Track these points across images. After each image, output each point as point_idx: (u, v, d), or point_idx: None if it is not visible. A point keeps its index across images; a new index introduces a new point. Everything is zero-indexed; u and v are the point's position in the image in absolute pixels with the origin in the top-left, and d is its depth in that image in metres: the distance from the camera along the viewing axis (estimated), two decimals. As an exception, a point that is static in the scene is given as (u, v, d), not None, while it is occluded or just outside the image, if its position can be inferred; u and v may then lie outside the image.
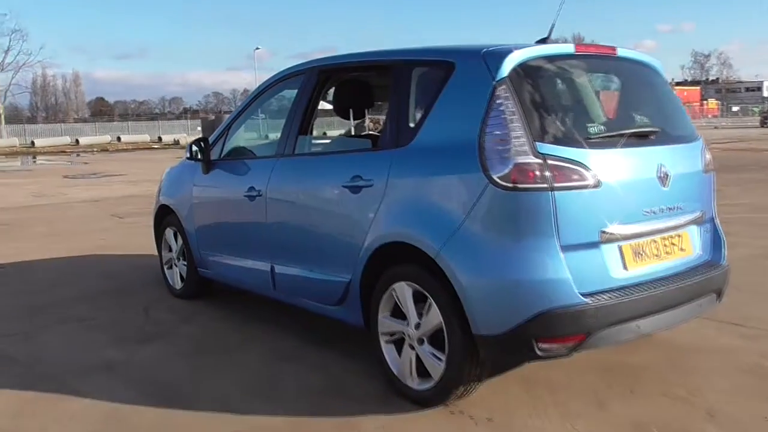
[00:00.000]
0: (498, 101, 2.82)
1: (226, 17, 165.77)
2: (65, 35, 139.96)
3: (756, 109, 60.53)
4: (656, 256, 3.05)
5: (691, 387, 3.22)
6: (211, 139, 4.69)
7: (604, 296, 2.79)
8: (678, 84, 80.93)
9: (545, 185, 2.72)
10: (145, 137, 43.67)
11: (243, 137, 4.89)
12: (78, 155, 31.15)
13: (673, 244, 3.15)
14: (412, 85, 3.32)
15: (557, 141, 2.81)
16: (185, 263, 5.02)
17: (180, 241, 5.05)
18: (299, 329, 4.23)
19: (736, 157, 17.24)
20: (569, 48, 3.13)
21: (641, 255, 2.99)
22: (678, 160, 3.17)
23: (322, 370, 3.56)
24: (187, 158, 4.75)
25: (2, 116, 48.73)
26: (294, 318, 4.32)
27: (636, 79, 3.44)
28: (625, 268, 2.91)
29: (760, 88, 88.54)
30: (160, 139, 42.56)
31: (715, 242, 3.40)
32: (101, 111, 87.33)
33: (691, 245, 3.24)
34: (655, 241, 3.05)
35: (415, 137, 3.15)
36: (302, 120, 3.91)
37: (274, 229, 3.97)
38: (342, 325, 3.67)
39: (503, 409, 3.03)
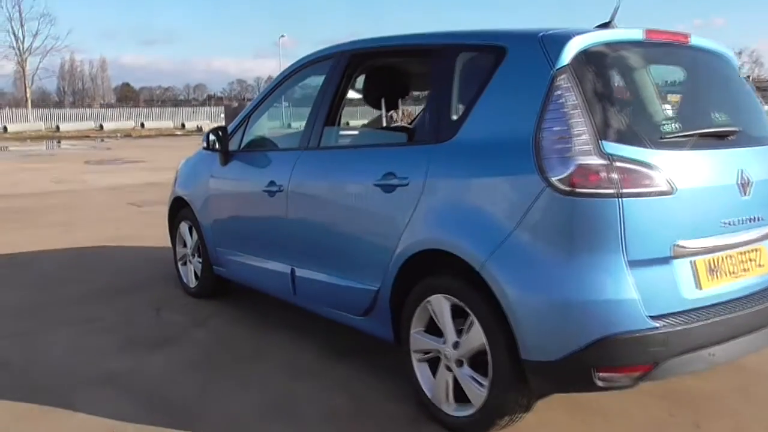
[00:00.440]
0: (558, 92, 2.45)
1: (252, 4, 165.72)
2: (93, 20, 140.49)
3: (789, 108, 59.19)
4: (732, 273, 2.65)
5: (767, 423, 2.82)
6: (230, 128, 4.34)
7: (675, 320, 2.41)
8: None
9: (612, 190, 2.34)
10: (169, 123, 43.63)
11: (264, 126, 4.55)
12: (102, 140, 31.07)
13: (751, 259, 2.74)
14: (456, 73, 2.92)
15: (625, 140, 2.43)
16: (200, 260, 4.69)
17: (195, 236, 4.73)
18: (319, 336, 3.89)
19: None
20: (638, 34, 2.72)
21: (716, 272, 2.59)
22: (760, 165, 2.77)
23: (345, 388, 3.21)
24: (204, 148, 4.42)
25: (29, 100, 49.04)
26: (314, 322, 3.94)
27: (710, 71, 3.04)
28: (698, 287, 2.52)
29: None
30: (183, 125, 42.53)
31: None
32: (127, 96, 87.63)
33: (771, 261, 2.82)
34: (731, 257, 2.66)
35: (459, 132, 2.77)
36: (329, 109, 3.55)
37: (295, 228, 3.62)
38: (365, 334, 3.32)
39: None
